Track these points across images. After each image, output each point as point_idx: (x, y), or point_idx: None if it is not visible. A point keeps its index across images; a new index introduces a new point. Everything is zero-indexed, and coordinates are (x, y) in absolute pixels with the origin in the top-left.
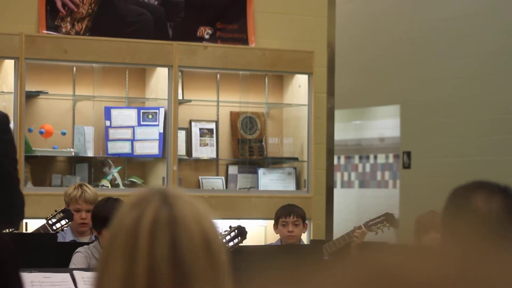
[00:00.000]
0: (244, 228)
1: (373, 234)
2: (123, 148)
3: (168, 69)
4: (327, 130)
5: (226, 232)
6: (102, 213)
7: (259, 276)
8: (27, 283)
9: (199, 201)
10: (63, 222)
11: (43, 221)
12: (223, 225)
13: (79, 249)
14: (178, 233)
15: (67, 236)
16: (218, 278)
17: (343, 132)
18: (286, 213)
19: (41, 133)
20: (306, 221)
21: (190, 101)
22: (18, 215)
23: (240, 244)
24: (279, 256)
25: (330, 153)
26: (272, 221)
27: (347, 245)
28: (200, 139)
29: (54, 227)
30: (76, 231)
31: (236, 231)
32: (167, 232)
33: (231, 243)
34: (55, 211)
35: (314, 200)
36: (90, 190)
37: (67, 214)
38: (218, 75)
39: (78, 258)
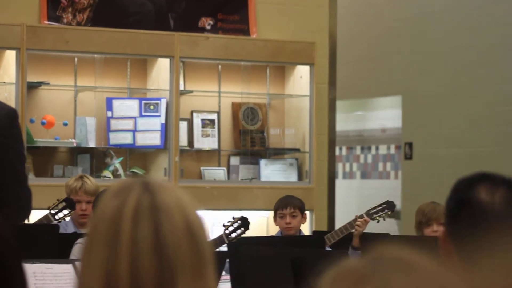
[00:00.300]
0: (247, 218)
1: (375, 223)
2: (125, 139)
3: (170, 59)
4: (328, 121)
5: (229, 223)
6: None
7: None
8: (29, 274)
9: (182, 190)
10: (65, 211)
11: (46, 211)
12: (225, 216)
13: (79, 240)
14: (160, 220)
15: (69, 228)
16: (201, 266)
17: (344, 122)
18: (283, 205)
19: (42, 123)
20: (306, 212)
21: (191, 91)
22: (25, 209)
23: (242, 235)
24: (280, 246)
25: (331, 144)
26: None
27: (349, 234)
28: (202, 130)
29: (56, 217)
30: (77, 222)
31: (239, 221)
32: (149, 219)
33: (234, 234)
34: (57, 200)
35: (316, 191)
36: (90, 182)
37: (69, 203)
38: (220, 66)
39: (79, 249)
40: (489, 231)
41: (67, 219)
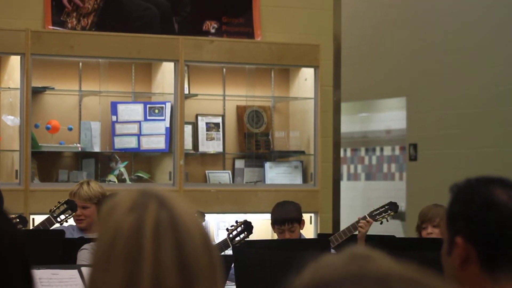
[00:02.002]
0: (250, 222)
1: (379, 224)
2: (130, 143)
3: (174, 63)
4: (333, 123)
5: (233, 227)
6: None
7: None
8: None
9: (189, 201)
10: (66, 213)
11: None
12: (230, 219)
13: (84, 246)
14: (181, 235)
15: (75, 233)
16: (216, 277)
17: (349, 124)
18: (279, 221)
19: (47, 128)
20: (304, 217)
21: (196, 95)
22: None
23: (246, 239)
24: (286, 250)
25: (336, 146)
26: None
27: (352, 236)
28: (207, 134)
29: (58, 219)
30: (78, 227)
31: (242, 225)
32: (170, 234)
33: (237, 238)
34: (58, 202)
35: (321, 193)
36: (87, 188)
37: (70, 205)
38: (224, 69)
39: (84, 255)
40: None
41: (70, 221)
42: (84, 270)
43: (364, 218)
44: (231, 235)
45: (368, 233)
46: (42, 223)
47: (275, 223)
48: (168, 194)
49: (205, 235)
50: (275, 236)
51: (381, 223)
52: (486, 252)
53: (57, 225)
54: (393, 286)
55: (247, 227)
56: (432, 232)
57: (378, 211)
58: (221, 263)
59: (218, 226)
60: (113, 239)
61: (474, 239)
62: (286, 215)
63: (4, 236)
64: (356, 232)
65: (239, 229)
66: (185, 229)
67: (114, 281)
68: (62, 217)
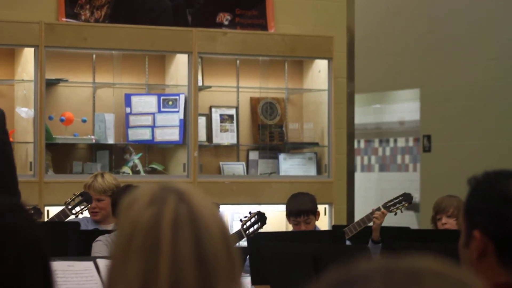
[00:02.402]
0: (263, 213)
1: (393, 216)
2: (144, 134)
3: (188, 55)
4: (347, 115)
5: (246, 218)
6: (117, 199)
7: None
8: None
9: (208, 196)
10: (82, 205)
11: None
12: (244, 211)
13: (99, 237)
14: (199, 229)
15: (90, 225)
16: (235, 272)
17: (363, 116)
18: (295, 213)
19: (61, 120)
20: (319, 209)
21: (210, 87)
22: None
23: (260, 230)
24: (300, 242)
25: (350, 137)
26: None
27: (367, 227)
28: (221, 125)
29: (73, 211)
30: (92, 219)
31: (256, 216)
32: (189, 229)
33: (251, 229)
34: (74, 194)
35: (335, 185)
36: (102, 180)
37: (85, 197)
38: (238, 61)
39: (99, 246)
40: None
41: (84, 213)
42: (99, 262)
43: (378, 209)
44: (244, 226)
45: (383, 224)
46: (57, 215)
47: (290, 214)
48: (187, 189)
49: (224, 229)
50: (290, 228)
51: (395, 214)
52: (504, 247)
53: (72, 217)
54: (424, 280)
55: (261, 218)
56: (446, 222)
57: (392, 202)
58: (239, 257)
59: (233, 217)
60: (131, 233)
61: (492, 234)
62: (301, 206)
63: (21, 234)
64: (371, 223)
65: (252, 220)
66: (204, 224)
67: (132, 274)
68: (77, 209)
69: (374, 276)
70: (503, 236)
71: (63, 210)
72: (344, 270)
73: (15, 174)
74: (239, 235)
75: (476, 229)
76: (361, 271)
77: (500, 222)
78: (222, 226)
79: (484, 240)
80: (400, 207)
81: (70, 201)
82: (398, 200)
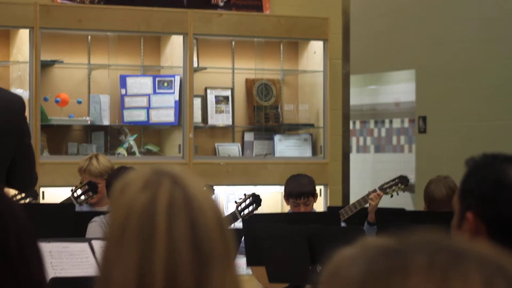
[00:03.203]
0: (258, 195)
1: (389, 197)
2: (139, 116)
3: (183, 37)
4: (342, 96)
5: (241, 200)
6: (112, 180)
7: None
8: (45, 253)
9: (202, 179)
10: (87, 195)
11: (60, 189)
12: (240, 192)
13: (94, 218)
14: (194, 213)
15: (84, 206)
16: (229, 256)
17: (358, 97)
18: (295, 195)
19: (56, 102)
20: (317, 191)
21: (205, 68)
22: (34, 190)
23: (255, 212)
24: (295, 223)
25: (346, 119)
26: None
27: (363, 210)
28: (216, 106)
29: (79, 200)
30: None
31: (251, 198)
32: (184, 213)
33: (246, 211)
34: (80, 183)
35: (330, 166)
36: (97, 163)
37: (91, 186)
38: (233, 43)
39: (93, 227)
40: None
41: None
42: (95, 243)
43: (374, 191)
44: (239, 208)
45: (378, 205)
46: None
47: (290, 196)
48: (181, 173)
49: (218, 213)
50: (285, 208)
51: (391, 196)
52: (495, 230)
53: (76, 206)
54: (467, 261)
55: (256, 199)
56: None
57: (389, 185)
58: (234, 240)
59: (228, 198)
60: (126, 217)
61: (484, 216)
62: (302, 188)
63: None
64: (367, 205)
65: (247, 201)
66: (199, 207)
67: (127, 259)
68: (83, 198)
69: (418, 251)
70: (495, 219)
71: (68, 198)
72: (393, 239)
73: (35, 174)
74: (234, 216)
75: (469, 211)
76: (406, 244)
77: (493, 207)
78: (216, 209)
79: (477, 222)
80: (396, 190)
81: (76, 189)
82: (394, 182)
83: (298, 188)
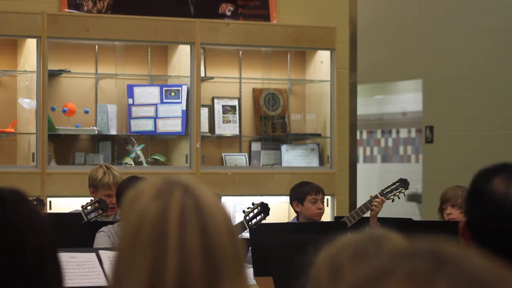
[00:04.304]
0: (267, 204)
1: (395, 206)
2: (146, 125)
3: (190, 46)
4: (349, 106)
5: (249, 209)
6: (124, 190)
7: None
8: None
9: (211, 188)
10: (97, 212)
11: (68, 199)
12: (247, 202)
13: (102, 229)
14: (205, 222)
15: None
16: (241, 263)
17: (365, 107)
18: (315, 191)
19: (64, 111)
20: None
21: (212, 78)
22: None
23: (263, 221)
24: (303, 233)
25: (352, 128)
26: None
27: (365, 215)
28: (223, 116)
29: (89, 216)
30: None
31: (259, 207)
32: (195, 221)
33: (254, 220)
34: (91, 200)
35: (338, 176)
36: (118, 173)
37: (102, 205)
38: (240, 52)
39: (101, 237)
40: (502, 223)
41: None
42: (102, 253)
43: (376, 197)
44: (247, 217)
45: (386, 215)
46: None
47: (309, 193)
48: (192, 182)
49: (229, 221)
50: (292, 217)
51: (393, 201)
52: (475, 236)
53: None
54: (441, 272)
55: (264, 209)
56: (451, 212)
57: (389, 189)
58: (245, 250)
59: (235, 208)
60: (138, 226)
61: (469, 226)
62: (320, 186)
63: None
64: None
65: (255, 211)
66: (210, 216)
67: (140, 267)
68: (93, 215)
69: (396, 269)
70: (474, 228)
71: (79, 213)
72: (364, 267)
73: None
74: (241, 226)
75: (464, 219)
76: (382, 265)
77: (472, 215)
78: (227, 218)
79: (466, 231)
80: (397, 193)
81: (87, 206)
82: (394, 186)
83: (316, 186)
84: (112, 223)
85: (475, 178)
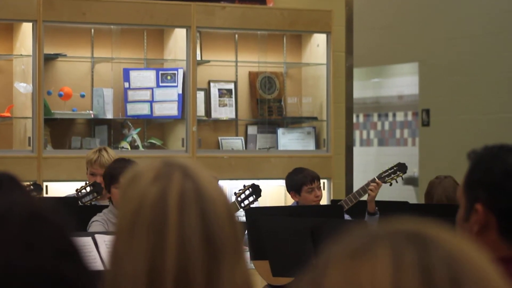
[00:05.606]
0: (258, 186)
1: (393, 190)
2: (142, 109)
3: (186, 30)
4: (346, 89)
5: (241, 191)
6: (111, 171)
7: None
8: None
9: (212, 173)
10: (91, 195)
11: (64, 183)
12: (241, 186)
13: (94, 218)
14: (205, 205)
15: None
16: (239, 248)
17: (361, 90)
18: (310, 179)
19: (60, 95)
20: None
21: (208, 61)
22: None
23: (255, 202)
24: (300, 217)
25: (349, 112)
26: None
27: (363, 200)
28: (219, 100)
29: (83, 200)
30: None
31: (250, 189)
32: (195, 204)
33: (246, 201)
34: (86, 183)
35: (334, 159)
36: (107, 155)
37: (96, 188)
38: (236, 35)
39: (96, 227)
40: None
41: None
42: (98, 237)
43: (373, 180)
44: (239, 199)
45: (382, 199)
46: None
47: (304, 183)
48: (191, 165)
49: (228, 204)
50: (289, 202)
51: (391, 184)
52: (506, 221)
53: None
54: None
55: (255, 190)
56: None
57: (387, 173)
58: (243, 233)
59: (231, 192)
60: (137, 210)
61: (494, 207)
62: (314, 173)
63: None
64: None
65: (247, 192)
66: (210, 199)
67: (138, 251)
68: (87, 198)
69: (380, 243)
70: (505, 210)
71: (73, 197)
72: (346, 242)
73: None
74: (234, 207)
75: (477, 203)
76: (365, 239)
77: (503, 196)
78: (226, 201)
79: (486, 214)
80: (395, 177)
81: (81, 189)
82: (392, 170)
83: (312, 173)
84: (106, 207)
85: (501, 159)
